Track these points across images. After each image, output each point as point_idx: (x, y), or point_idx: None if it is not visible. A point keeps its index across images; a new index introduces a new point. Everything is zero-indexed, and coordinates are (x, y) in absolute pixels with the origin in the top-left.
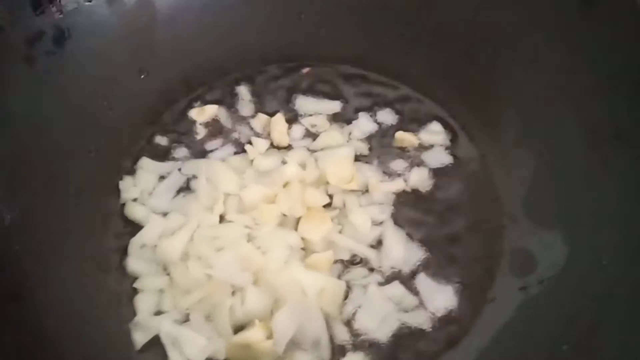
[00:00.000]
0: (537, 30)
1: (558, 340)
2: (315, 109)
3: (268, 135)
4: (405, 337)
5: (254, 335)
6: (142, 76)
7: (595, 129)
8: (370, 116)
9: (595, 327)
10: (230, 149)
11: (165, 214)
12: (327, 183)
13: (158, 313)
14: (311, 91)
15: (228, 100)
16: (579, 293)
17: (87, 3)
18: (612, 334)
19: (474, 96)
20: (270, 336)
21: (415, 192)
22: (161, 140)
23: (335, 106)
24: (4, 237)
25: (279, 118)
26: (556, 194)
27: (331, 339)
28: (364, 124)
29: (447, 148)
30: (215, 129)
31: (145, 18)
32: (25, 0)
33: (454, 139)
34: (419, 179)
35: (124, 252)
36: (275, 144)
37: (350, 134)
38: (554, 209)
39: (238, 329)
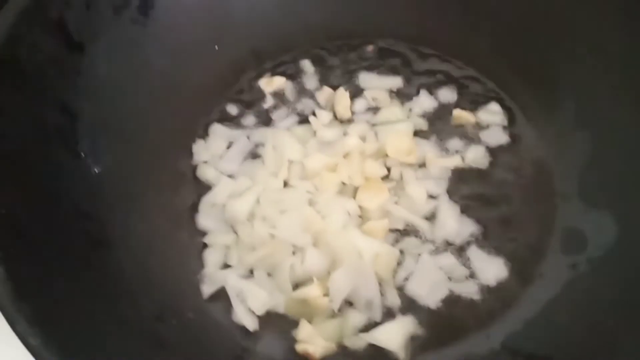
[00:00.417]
0: (599, 17)
1: (604, 316)
2: (377, 84)
3: (331, 108)
4: (453, 305)
5: (312, 291)
6: (216, 47)
7: None
8: (431, 93)
9: None
10: (294, 119)
11: (233, 177)
12: (386, 156)
13: (224, 267)
14: (374, 67)
15: (294, 73)
16: (628, 272)
17: None
18: None
19: (534, 78)
20: (326, 294)
21: (471, 168)
22: (231, 108)
23: (396, 82)
24: (93, 188)
25: (343, 92)
26: (610, 176)
27: (383, 301)
28: (424, 101)
29: (504, 128)
30: (281, 99)
31: None
32: None
33: (511, 119)
34: (476, 156)
35: (195, 209)
36: (337, 116)
37: (410, 110)
38: (607, 191)
39: (297, 285)
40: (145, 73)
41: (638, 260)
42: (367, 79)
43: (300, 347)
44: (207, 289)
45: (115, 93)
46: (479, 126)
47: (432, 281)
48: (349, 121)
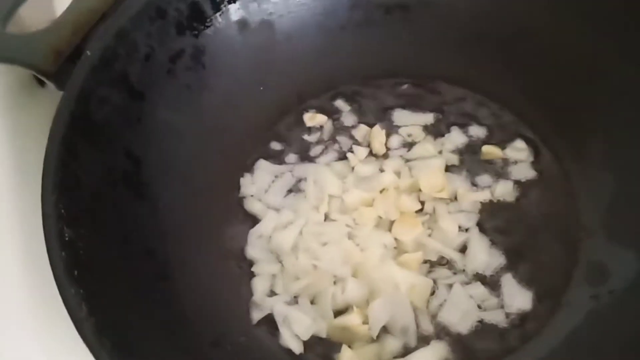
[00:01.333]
0: (632, 65)
1: (624, 346)
2: (411, 120)
3: (368, 145)
4: (483, 332)
5: (352, 319)
6: (261, 88)
7: None
8: (462, 130)
9: None
10: (333, 155)
11: (278, 210)
12: (420, 190)
13: (271, 294)
14: (407, 105)
15: (333, 112)
16: None
17: (220, 27)
18: None
19: (562, 119)
20: (365, 321)
21: (499, 202)
22: (275, 145)
23: (429, 118)
24: (155, 227)
25: (379, 129)
26: (633, 215)
27: (417, 328)
28: (456, 137)
29: (531, 164)
30: (321, 136)
31: (266, 37)
32: (171, 24)
33: (538, 156)
34: (504, 190)
35: (243, 241)
36: (374, 152)
37: (442, 145)
38: (630, 229)
39: (338, 313)
40: (199, 115)
41: None
42: (400, 116)
43: None
44: (255, 315)
45: (173, 135)
46: (507, 162)
47: (463, 310)
48: (385, 156)
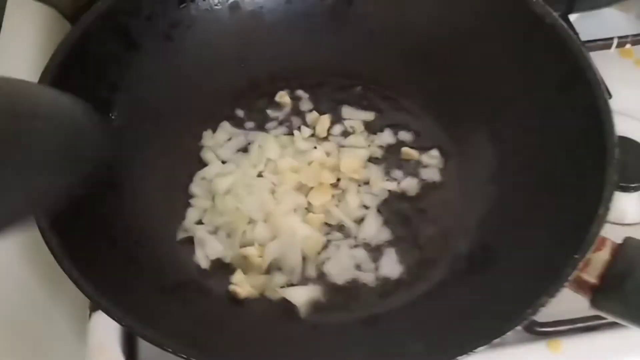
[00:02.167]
0: (527, 98)
1: (457, 315)
2: (355, 115)
3: (314, 128)
4: (354, 286)
5: (251, 250)
6: (242, 65)
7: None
8: (393, 132)
9: None
10: (284, 130)
11: (224, 162)
12: (340, 170)
13: (198, 223)
14: (356, 103)
15: (295, 97)
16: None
17: (216, 7)
18: None
19: (469, 139)
20: (262, 255)
21: (402, 194)
22: (239, 113)
23: (370, 116)
24: (118, 142)
25: (326, 117)
26: (503, 223)
27: (303, 271)
28: (386, 137)
29: (440, 170)
30: (279, 114)
31: (254, 24)
32: None
33: (447, 164)
34: (409, 185)
35: (190, 179)
36: (316, 134)
37: (373, 141)
38: (498, 232)
39: (244, 247)
40: (182, 75)
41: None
42: (348, 110)
43: (231, 287)
44: (180, 235)
45: (154, 84)
46: (420, 164)
47: (343, 266)
48: (324, 140)
